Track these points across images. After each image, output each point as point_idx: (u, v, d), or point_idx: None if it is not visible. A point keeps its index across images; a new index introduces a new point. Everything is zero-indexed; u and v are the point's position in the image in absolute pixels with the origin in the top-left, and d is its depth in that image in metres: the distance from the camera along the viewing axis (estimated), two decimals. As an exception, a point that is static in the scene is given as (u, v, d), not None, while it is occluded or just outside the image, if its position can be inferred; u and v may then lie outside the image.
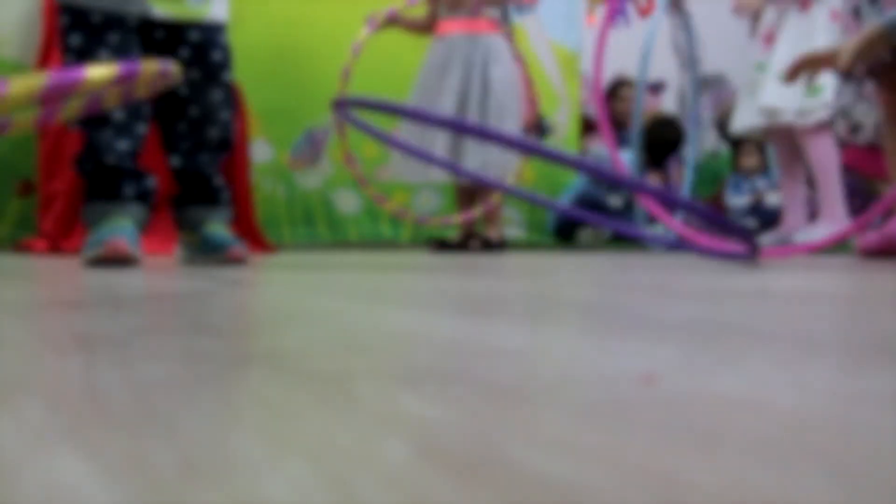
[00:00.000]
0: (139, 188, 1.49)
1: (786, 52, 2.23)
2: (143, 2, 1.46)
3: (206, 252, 1.55)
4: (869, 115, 2.21)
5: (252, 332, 0.55)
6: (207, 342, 0.44)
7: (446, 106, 2.34)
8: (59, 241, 2.27)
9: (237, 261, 1.50)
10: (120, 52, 1.43)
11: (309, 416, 0.26)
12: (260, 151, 2.90)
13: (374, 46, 2.60)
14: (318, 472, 0.19)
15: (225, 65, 1.55)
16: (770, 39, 2.34)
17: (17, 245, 2.31)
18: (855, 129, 2.22)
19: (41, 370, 0.35)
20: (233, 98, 1.60)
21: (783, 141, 2.39)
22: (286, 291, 0.89)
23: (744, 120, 2.41)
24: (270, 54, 2.96)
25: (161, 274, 1.22)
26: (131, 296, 0.85)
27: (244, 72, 2.80)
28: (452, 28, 2.40)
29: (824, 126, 2.26)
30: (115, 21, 1.44)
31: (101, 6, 1.44)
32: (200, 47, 1.51)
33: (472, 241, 2.44)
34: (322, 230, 3.01)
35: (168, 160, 1.57)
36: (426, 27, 2.51)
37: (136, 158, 1.50)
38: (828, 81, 2.20)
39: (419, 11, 2.53)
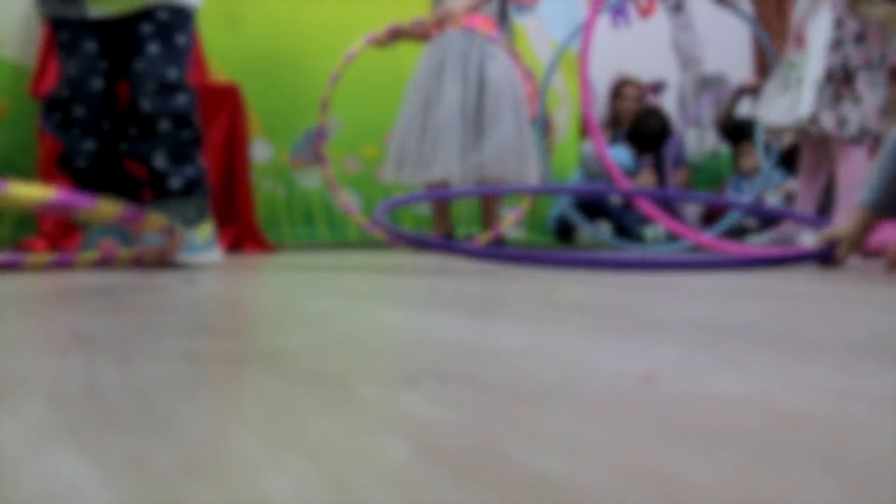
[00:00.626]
0: (121, 185, 1.45)
1: (819, 61, 2.22)
2: (81, 6, 1.44)
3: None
4: (855, 110, 2.22)
5: (252, 332, 0.55)
6: (207, 342, 0.44)
7: (447, 105, 2.33)
8: (59, 241, 2.27)
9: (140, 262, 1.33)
10: (71, 51, 1.42)
11: (309, 416, 0.26)
12: (260, 151, 2.90)
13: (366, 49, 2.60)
14: (318, 472, 0.19)
15: (153, 36, 1.44)
16: (800, 39, 2.32)
17: (17, 245, 2.31)
18: (841, 123, 2.23)
19: (41, 370, 0.35)
20: (172, 76, 1.44)
21: (814, 143, 2.39)
22: (286, 291, 0.89)
23: (776, 116, 2.39)
24: (270, 55, 2.96)
25: (161, 274, 1.22)
26: (131, 296, 0.85)
27: (244, 72, 2.81)
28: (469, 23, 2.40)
29: (860, 138, 2.27)
30: (60, 23, 1.44)
31: (47, 13, 1.45)
32: (130, 23, 1.45)
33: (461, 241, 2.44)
34: (322, 230, 3.01)
35: (119, 147, 1.48)
36: (427, 35, 2.49)
37: (109, 155, 1.45)
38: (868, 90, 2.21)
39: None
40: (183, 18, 1.51)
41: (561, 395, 0.30)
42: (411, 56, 2.51)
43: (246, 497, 0.17)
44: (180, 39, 1.50)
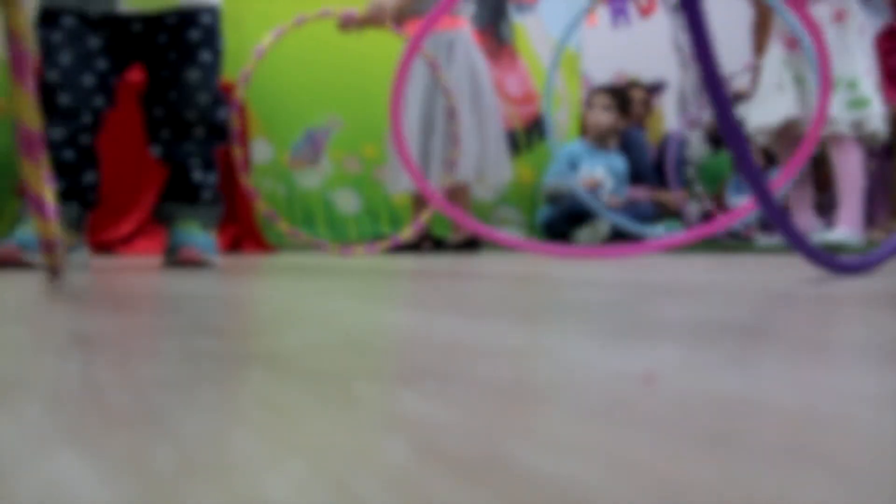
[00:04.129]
0: (74, 184, 1.40)
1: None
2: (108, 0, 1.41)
3: (167, 252, 1.43)
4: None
5: (252, 332, 0.55)
6: (207, 342, 0.44)
7: (413, 113, 2.33)
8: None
9: (191, 262, 1.36)
10: (71, 42, 1.39)
11: (309, 416, 0.26)
12: (260, 151, 2.90)
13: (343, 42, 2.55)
14: (318, 472, 0.19)
15: (204, 44, 1.46)
16: (795, 43, 2.32)
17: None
18: (857, 125, 2.26)
19: (41, 370, 0.35)
20: (217, 84, 1.48)
21: (791, 146, 2.39)
22: (286, 291, 0.89)
23: (765, 117, 2.39)
24: (270, 54, 2.95)
25: (161, 274, 1.22)
26: (131, 296, 0.85)
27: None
28: (413, 30, 2.38)
29: (857, 138, 2.28)
30: (60, 12, 1.40)
31: (65, 5, 1.40)
32: (177, 28, 1.44)
33: (424, 242, 2.44)
34: (322, 230, 3.01)
35: (150, 150, 1.48)
36: (384, 22, 2.44)
37: (78, 148, 1.39)
38: (874, 94, 2.23)
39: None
40: (217, 19, 1.52)
41: (561, 395, 0.30)
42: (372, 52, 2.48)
43: (246, 497, 0.17)
44: (220, 43, 1.52)
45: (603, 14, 3.72)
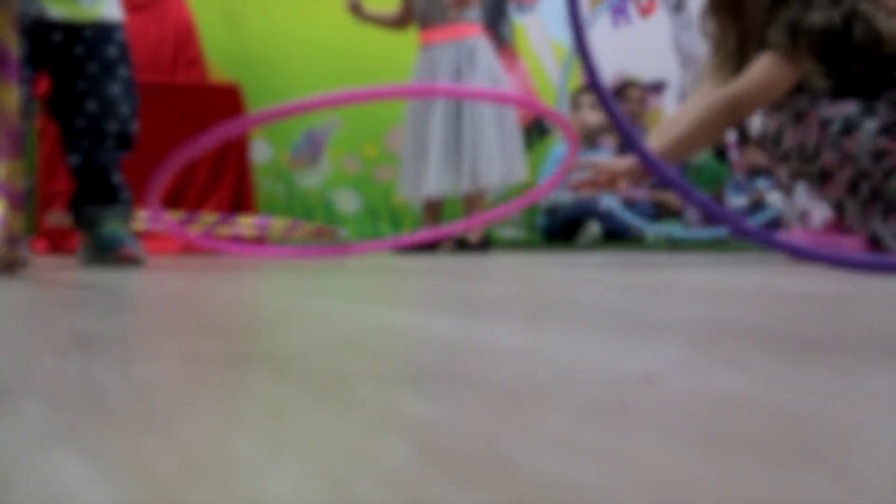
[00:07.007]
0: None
1: None
2: (38, 4, 1.47)
3: (100, 252, 1.52)
4: None
5: (252, 332, 0.55)
6: (207, 342, 0.44)
7: (436, 125, 2.33)
8: (59, 241, 2.27)
9: (129, 260, 1.46)
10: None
11: (309, 416, 0.26)
12: (260, 151, 2.90)
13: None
14: (318, 472, 0.19)
15: (121, 60, 1.56)
16: None
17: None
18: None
19: (41, 370, 0.35)
20: (135, 95, 1.58)
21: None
22: (286, 291, 0.89)
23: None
24: (271, 54, 2.96)
25: (161, 274, 1.22)
26: (131, 296, 0.85)
27: (244, 72, 2.81)
28: (435, 38, 2.38)
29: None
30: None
31: None
32: (94, 43, 1.53)
33: (443, 242, 2.45)
34: (322, 230, 3.02)
35: (67, 159, 1.56)
36: (398, 21, 2.46)
37: None
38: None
39: (390, 4, 2.47)
40: (125, 35, 1.60)
41: (561, 395, 0.30)
42: (411, 56, 2.51)
43: (246, 498, 0.17)
44: (131, 58, 1.60)
45: (603, 13, 3.73)
